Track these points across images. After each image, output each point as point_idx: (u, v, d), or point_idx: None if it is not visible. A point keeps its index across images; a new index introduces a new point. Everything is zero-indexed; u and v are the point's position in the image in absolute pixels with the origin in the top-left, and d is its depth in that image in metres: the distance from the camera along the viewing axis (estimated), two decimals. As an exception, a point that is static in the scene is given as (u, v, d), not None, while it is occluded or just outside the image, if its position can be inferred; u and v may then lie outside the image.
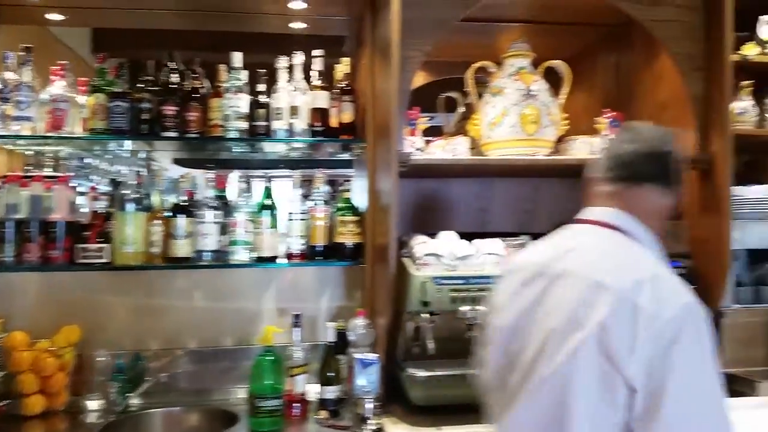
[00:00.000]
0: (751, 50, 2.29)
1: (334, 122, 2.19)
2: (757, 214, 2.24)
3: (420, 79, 2.80)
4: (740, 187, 2.21)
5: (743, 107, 2.29)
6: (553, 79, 2.29)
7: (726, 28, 2.05)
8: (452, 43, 2.61)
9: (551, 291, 1.17)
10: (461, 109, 2.50)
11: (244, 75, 2.19)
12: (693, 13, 2.14)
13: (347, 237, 2.17)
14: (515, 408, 1.16)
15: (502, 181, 2.63)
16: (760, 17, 2.35)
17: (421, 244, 2.00)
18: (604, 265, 1.14)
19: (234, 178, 2.23)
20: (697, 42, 2.12)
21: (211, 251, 2.11)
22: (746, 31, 2.39)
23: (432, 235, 2.12)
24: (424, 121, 2.23)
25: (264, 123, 2.16)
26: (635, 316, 1.04)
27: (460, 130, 2.40)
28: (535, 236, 2.26)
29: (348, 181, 2.49)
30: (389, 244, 1.82)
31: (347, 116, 2.18)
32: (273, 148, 2.34)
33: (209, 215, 2.09)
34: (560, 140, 2.34)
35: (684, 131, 2.16)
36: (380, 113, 1.97)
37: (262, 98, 2.17)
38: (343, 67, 2.25)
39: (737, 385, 2.07)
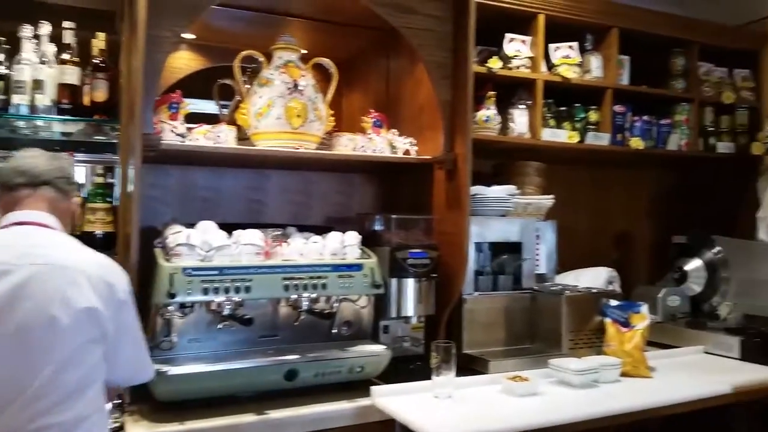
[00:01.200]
0: (496, 64, 2.55)
1: (86, 100, 2.05)
2: (496, 211, 2.50)
3: (198, 63, 2.74)
4: (481, 186, 2.45)
5: (488, 115, 2.54)
6: (327, 77, 2.35)
7: (469, 40, 2.25)
8: (235, 31, 2.59)
9: (33, 284, 1.36)
10: (237, 98, 2.47)
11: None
12: (444, 24, 2.31)
13: (97, 225, 2.04)
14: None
15: (276, 173, 2.65)
16: (506, 34, 2.63)
17: (175, 234, 1.94)
18: (73, 256, 1.44)
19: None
20: (446, 51, 2.31)
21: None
22: (496, 46, 2.67)
23: (193, 225, 2.07)
24: (186, 106, 2.15)
25: (2, 97, 1.96)
26: (107, 289, 1.43)
27: (233, 118, 2.37)
28: (306, 228, 2.33)
29: (109, 166, 2.33)
30: (131, 233, 1.74)
31: (100, 95, 2.06)
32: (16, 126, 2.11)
33: None
34: (330, 136, 2.41)
35: (435, 134, 2.35)
36: (132, 93, 1.87)
37: (2, 69, 1.96)
38: (98, 43, 2.10)
39: (474, 365, 2.29)
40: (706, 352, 2.62)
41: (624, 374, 2.23)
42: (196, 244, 1.91)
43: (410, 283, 2.22)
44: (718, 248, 2.95)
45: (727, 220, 3.31)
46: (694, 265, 3.01)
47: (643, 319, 2.36)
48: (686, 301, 2.95)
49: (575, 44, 2.83)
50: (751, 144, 3.24)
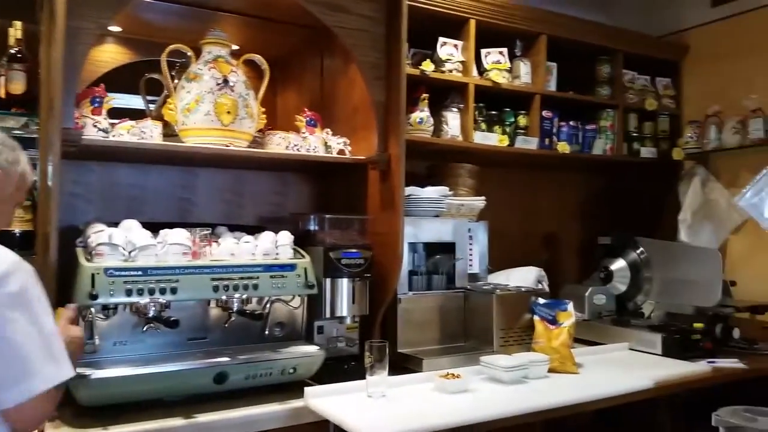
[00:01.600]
0: (429, 67, 2.58)
1: (1, 92, 1.94)
2: (429, 212, 2.53)
3: (125, 56, 2.65)
4: (415, 187, 2.47)
5: (422, 117, 2.57)
6: (260, 74, 2.31)
7: (402, 42, 2.27)
8: (164, 24, 2.51)
9: None
10: (165, 93, 2.40)
11: None
12: (377, 25, 2.32)
13: (14, 224, 1.93)
14: None
15: (206, 171, 2.58)
16: (439, 38, 2.66)
17: (96, 233, 1.86)
18: None
19: None
20: (379, 53, 2.31)
21: None
22: (430, 49, 2.69)
23: (117, 224, 2.00)
24: (110, 100, 2.06)
25: None
26: None
27: (161, 114, 2.30)
28: (238, 228, 2.28)
29: (31, 163, 2.21)
30: (50, 232, 1.65)
31: (18, 87, 1.96)
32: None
33: None
34: (263, 134, 2.38)
35: (369, 134, 2.35)
36: (51, 86, 1.79)
37: None
38: (15, 32, 2.00)
39: (408, 363, 2.31)
40: (631, 349, 2.72)
41: (552, 370, 2.28)
42: (119, 243, 1.84)
43: (344, 283, 2.20)
44: (641, 249, 3.06)
45: (650, 222, 3.46)
46: (618, 265, 3.11)
47: (569, 316, 2.42)
48: (611, 299, 3.05)
49: (505, 50, 2.89)
50: (673, 149, 3.40)
